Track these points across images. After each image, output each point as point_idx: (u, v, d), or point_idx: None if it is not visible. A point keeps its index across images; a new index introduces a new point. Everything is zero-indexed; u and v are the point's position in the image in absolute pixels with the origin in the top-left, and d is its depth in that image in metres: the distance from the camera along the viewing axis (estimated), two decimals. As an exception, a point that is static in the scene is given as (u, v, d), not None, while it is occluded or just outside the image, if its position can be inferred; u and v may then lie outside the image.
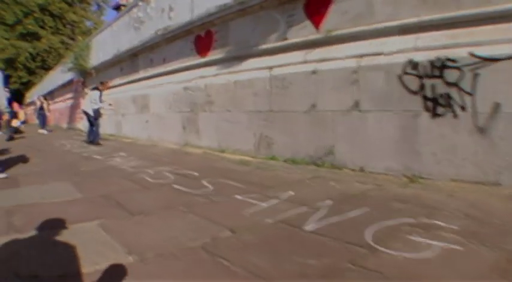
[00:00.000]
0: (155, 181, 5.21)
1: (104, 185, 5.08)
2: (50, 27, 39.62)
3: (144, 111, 11.20)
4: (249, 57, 7.42)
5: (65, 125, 21.16)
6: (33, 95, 31.83)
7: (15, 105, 15.15)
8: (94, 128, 10.64)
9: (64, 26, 40.09)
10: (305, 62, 6.09)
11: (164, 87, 10.25)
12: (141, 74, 11.87)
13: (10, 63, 39.04)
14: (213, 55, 8.54)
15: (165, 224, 3.24)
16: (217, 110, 8.21)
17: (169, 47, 10.17)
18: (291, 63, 6.33)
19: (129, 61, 12.62)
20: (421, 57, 4.56)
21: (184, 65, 9.52)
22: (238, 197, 4.11)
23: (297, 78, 6.18)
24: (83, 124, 16.86)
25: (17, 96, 16.59)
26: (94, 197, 4.28)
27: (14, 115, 13.99)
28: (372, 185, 4.42)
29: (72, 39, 36.61)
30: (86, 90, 16.63)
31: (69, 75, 18.86)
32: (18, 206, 3.91)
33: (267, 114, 6.83)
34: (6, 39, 38.40)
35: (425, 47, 4.56)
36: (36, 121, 18.58)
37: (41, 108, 16.84)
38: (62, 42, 39.12)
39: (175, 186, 4.82)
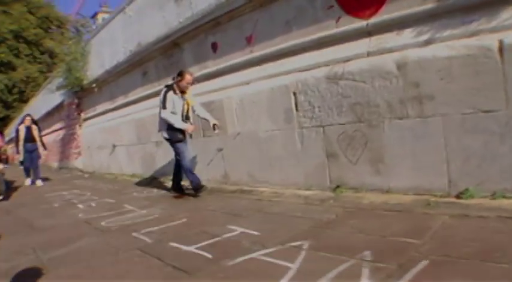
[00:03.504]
0: None
1: None
2: (26, 55, 34.10)
3: (209, 133, 5.87)
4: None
5: (55, 164, 15.40)
6: (12, 131, 25.76)
7: None
8: (183, 164, 5.36)
9: (42, 53, 34.47)
10: None
11: (260, 84, 5.25)
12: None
13: (-16, 97, 33.32)
14: (397, 9, 3.86)
15: None
16: (446, 110, 3.42)
17: (265, 13, 5.23)
18: None
19: (161, 57, 7.42)
20: None
21: (311, 39, 4.66)
22: None
23: None
24: (82, 161, 11.34)
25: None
26: None
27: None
28: None
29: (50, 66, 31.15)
30: (83, 115, 11.16)
31: (57, 98, 13.35)
32: None
33: None
34: (-23, 71, 32.83)
35: None
36: (19, 161, 9.72)
37: (28, 138, 8.95)
38: (41, 71, 33.46)
39: None
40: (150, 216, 4.27)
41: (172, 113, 5.07)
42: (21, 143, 8.94)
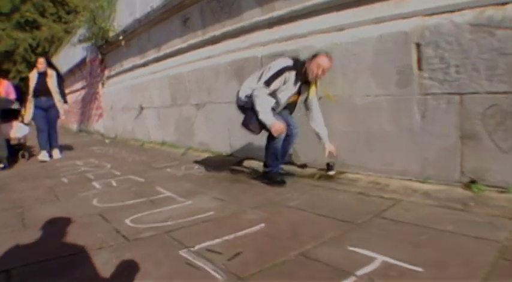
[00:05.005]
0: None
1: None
2: (51, 14, 32.57)
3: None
4: None
5: (74, 126, 14.02)
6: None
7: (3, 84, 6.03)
8: (269, 143, 3.51)
9: (67, 13, 32.99)
10: None
11: (363, 31, 3.59)
12: (247, 17, 5.02)
13: (8, 56, 32.05)
14: None
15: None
16: None
17: None
18: None
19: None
20: None
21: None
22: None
23: None
24: (103, 124, 9.85)
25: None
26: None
27: (9, 113, 5.82)
28: None
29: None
30: (107, 72, 9.58)
31: (79, 54, 11.78)
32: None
33: None
34: (2, 29, 31.45)
35: None
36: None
37: (41, 89, 6.13)
38: (66, 31, 31.95)
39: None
40: (202, 213, 2.66)
41: (270, 95, 3.28)
42: (30, 96, 6.06)
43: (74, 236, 2.33)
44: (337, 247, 2.00)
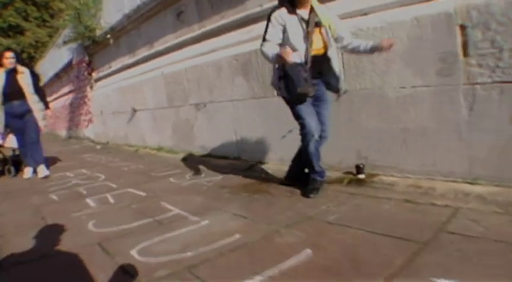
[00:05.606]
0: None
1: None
2: (35, 18, 31.79)
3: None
4: None
5: (63, 132, 13.36)
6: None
7: None
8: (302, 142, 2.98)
9: (51, 17, 32.19)
10: None
11: (393, 14, 3.08)
12: (251, 5, 4.50)
13: (-9, 62, 31.10)
14: None
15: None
16: None
17: None
18: None
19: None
20: None
21: None
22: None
23: None
24: (93, 130, 9.26)
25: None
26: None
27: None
28: None
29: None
30: (95, 74, 8.99)
31: (65, 56, 11.16)
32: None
33: None
34: (-16, 35, 30.58)
35: None
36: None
37: (11, 92, 4.83)
38: (50, 36, 31.20)
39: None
40: (225, 238, 2.14)
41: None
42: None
43: (65, 280, 1.78)
44: (418, 280, 1.49)
